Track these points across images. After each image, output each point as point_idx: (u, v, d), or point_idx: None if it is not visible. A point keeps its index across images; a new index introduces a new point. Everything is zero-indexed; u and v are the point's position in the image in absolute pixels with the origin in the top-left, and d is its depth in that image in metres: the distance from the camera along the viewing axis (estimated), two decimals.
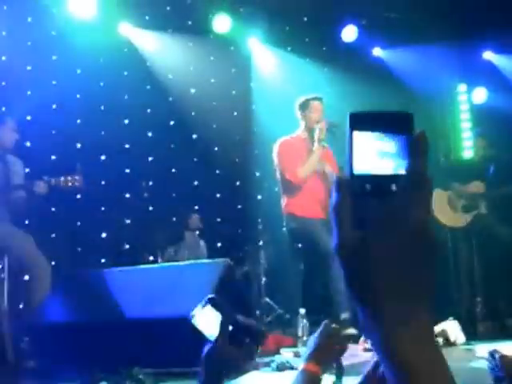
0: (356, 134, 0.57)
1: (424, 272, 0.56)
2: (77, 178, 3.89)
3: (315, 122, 4.41)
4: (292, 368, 3.10)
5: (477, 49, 6.94)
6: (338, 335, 1.59)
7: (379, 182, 0.56)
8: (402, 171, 0.56)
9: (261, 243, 5.82)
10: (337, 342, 1.57)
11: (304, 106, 4.51)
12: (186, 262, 4.70)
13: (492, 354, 1.81)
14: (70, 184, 3.88)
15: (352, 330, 3.83)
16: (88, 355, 3.13)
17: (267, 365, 3.32)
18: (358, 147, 0.57)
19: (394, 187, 0.56)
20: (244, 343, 1.51)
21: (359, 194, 0.56)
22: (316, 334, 1.55)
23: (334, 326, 1.60)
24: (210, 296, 1.48)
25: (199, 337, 3.01)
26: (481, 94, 6.86)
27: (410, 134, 0.56)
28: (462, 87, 7.13)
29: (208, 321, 1.47)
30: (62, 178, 3.88)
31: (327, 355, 1.54)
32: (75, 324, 3.35)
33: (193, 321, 1.51)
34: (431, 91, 6.66)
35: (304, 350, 1.57)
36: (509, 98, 6.40)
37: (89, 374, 2.95)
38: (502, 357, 1.78)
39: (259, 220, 5.97)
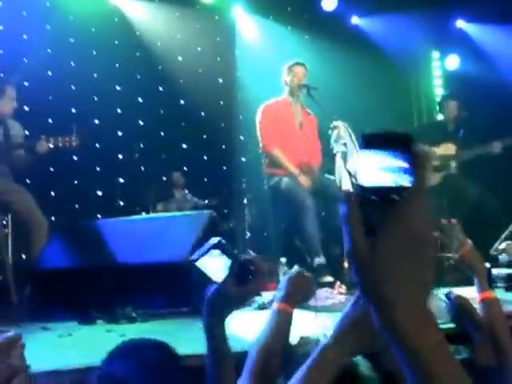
0: (363, 153, 0.63)
1: (424, 270, 0.62)
2: (73, 138, 4.07)
3: (296, 84, 4.58)
4: None
5: (450, 18, 7.12)
6: (306, 278, 1.64)
7: (385, 193, 0.62)
8: (405, 183, 0.61)
9: (245, 201, 6.06)
10: (306, 284, 1.63)
11: (287, 72, 4.67)
12: (174, 213, 4.89)
13: (447, 295, 1.82)
14: (67, 144, 4.06)
15: (328, 277, 3.99)
16: (84, 298, 3.20)
17: (248, 305, 3.40)
18: (365, 164, 0.63)
19: (397, 198, 0.61)
20: (249, 282, 1.41)
21: (366, 204, 0.62)
22: (286, 277, 1.62)
23: (301, 269, 1.66)
24: (216, 240, 1.42)
25: (187, 280, 3.19)
26: (453, 61, 7.07)
27: (410, 150, 0.62)
28: (436, 54, 7.38)
29: (213, 263, 1.42)
30: (60, 138, 4.06)
31: (297, 296, 1.59)
32: (72, 269, 3.44)
33: (197, 263, 1.43)
34: (406, 58, 6.85)
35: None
36: (480, 65, 6.59)
37: (85, 313, 3.05)
38: (457, 297, 1.80)
39: (243, 180, 6.24)
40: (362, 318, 1.08)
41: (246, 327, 2.40)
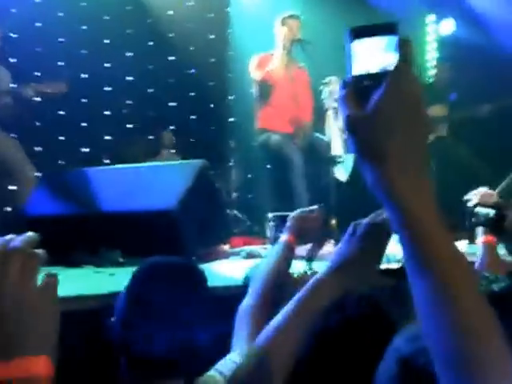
0: (355, 42, 0.67)
1: (418, 138, 0.66)
2: (62, 84, 4.05)
3: (290, 39, 4.54)
4: (260, 256, 3.21)
5: None
6: (310, 215, 1.75)
7: (375, 78, 0.66)
8: (392, 67, 0.66)
9: (232, 162, 6.10)
10: (311, 218, 1.74)
11: (281, 24, 4.62)
12: (164, 162, 4.85)
13: None
14: (56, 90, 4.04)
15: None
16: (71, 244, 3.15)
17: (237, 254, 3.52)
18: (356, 53, 0.66)
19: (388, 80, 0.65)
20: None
21: (359, 88, 0.66)
22: (291, 216, 1.74)
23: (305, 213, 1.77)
24: None
25: (176, 228, 3.18)
26: (448, 26, 6.98)
27: (397, 35, 0.66)
28: (431, 17, 7.33)
29: None
30: (47, 84, 4.04)
31: (303, 229, 1.70)
32: (59, 217, 3.39)
33: None
34: (401, 20, 6.77)
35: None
36: (475, 30, 6.49)
37: (71, 258, 3.05)
38: None
39: (231, 140, 6.22)
40: (356, 256, 1.19)
41: (235, 270, 2.44)
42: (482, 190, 1.86)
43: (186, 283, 1.34)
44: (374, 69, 0.66)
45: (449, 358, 0.61)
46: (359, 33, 0.67)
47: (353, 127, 0.66)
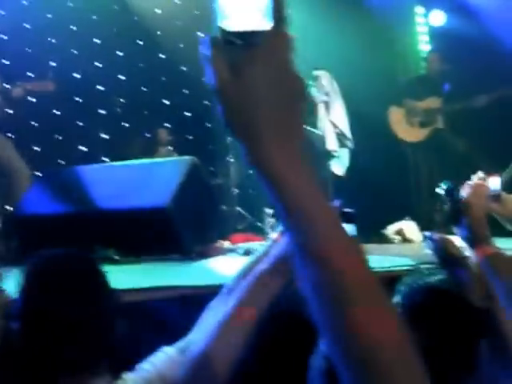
0: None
1: (292, 107, 0.62)
2: (48, 82, 4.13)
3: None
4: None
5: None
6: None
7: (249, 37, 0.61)
8: (267, 27, 0.61)
9: (231, 158, 6.03)
10: None
11: None
12: (156, 160, 4.91)
13: (429, 237, 1.74)
14: (43, 88, 4.14)
15: None
16: (65, 242, 3.20)
17: (234, 251, 3.57)
18: (227, 6, 0.61)
19: (259, 41, 0.61)
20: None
21: (231, 47, 0.61)
22: None
23: None
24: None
25: (169, 225, 3.20)
26: (438, 17, 6.97)
27: None
28: (420, 10, 7.31)
29: None
30: (36, 83, 4.13)
31: None
32: (54, 215, 3.47)
33: None
34: (390, 13, 6.71)
35: None
36: (465, 20, 6.47)
37: None
38: (439, 238, 1.71)
39: (228, 136, 5.92)
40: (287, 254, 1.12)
41: (230, 268, 2.46)
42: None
43: (82, 274, 1.30)
44: (246, 27, 0.60)
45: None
46: None
47: (220, 94, 0.61)
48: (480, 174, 1.82)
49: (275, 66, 0.61)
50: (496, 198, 1.77)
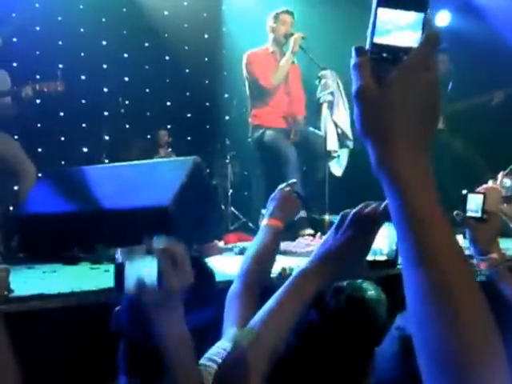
0: (380, 9, 0.63)
1: (428, 119, 0.65)
2: (58, 83, 4.13)
3: (283, 33, 4.51)
4: None
5: None
6: (291, 193, 1.73)
7: (395, 52, 0.63)
8: (414, 44, 0.63)
9: (228, 159, 6.14)
10: (290, 200, 1.72)
11: (274, 19, 4.59)
12: (158, 160, 4.90)
13: None
14: (52, 88, 4.12)
15: (309, 230, 4.05)
16: (68, 241, 3.19)
17: (230, 250, 3.58)
18: (380, 21, 0.63)
19: (405, 57, 0.63)
20: None
21: (377, 59, 0.64)
22: (275, 195, 1.73)
23: (286, 188, 1.75)
24: None
25: (171, 224, 3.22)
26: (444, 18, 6.82)
27: (425, 13, 0.63)
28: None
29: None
30: (45, 83, 4.12)
31: (286, 210, 1.68)
32: (57, 214, 3.43)
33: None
34: None
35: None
36: (471, 21, 6.45)
37: (69, 255, 3.07)
38: None
39: (226, 138, 6.26)
40: (342, 246, 1.15)
41: (228, 266, 2.52)
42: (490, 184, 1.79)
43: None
44: (395, 42, 0.63)
45: (439, 360, 0.58)
46: (387, 1, 0.63)
47: (363, 99, 0.64)
48: (500, 175, 1.85)
49: (417, 79, 0.63)
50: (509, 199, 1.79)
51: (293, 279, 1.16)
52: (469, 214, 1.68)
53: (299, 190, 4.23)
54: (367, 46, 0.64)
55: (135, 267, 1.02)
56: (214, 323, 1.36)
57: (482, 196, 1.68)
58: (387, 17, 0.63)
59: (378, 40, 0.64)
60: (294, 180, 1.90)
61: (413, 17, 0.63)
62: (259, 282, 1.46)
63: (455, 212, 1.71)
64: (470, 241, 1.68)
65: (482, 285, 1.18)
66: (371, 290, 1.33)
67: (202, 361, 1.25)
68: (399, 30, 0.63)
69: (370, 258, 1.21)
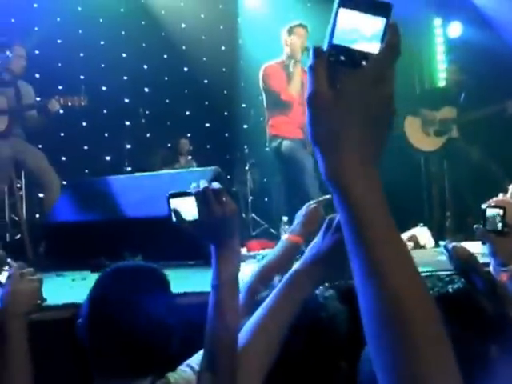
0: (342, 10, 0.61)
1: (379, 133, 0.62)
2: (82, 97, 4.26)
3: (299, 46, 4.55)
4: None
5: None
6: (317, 210, 1.70)
7: (353, 56, 0.61)
8: (375, 50, 0.61)
9: (247, 167, 6.23)
10: (316, 218, 1.68)
11: (289, 32, 4.65)
12: (180, 170, 5.02)
13: (445, 246, 1.79)
14: (76, 102, 4.25)
15: None
16: (95, 250, 3.25)
17: (252, 257, 3.62)
18: (341, 22, 0.61)
19: (364, 63, 0.61)
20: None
21: (334, 61, 0.61)
22: (302, 211, 1.70)
23: (313, 205, 1.73)
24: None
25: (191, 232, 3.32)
26: (456, 28, 6.98)
27: (388, 19, 0.60)
28: (437, 21, 7.36)
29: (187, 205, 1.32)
30: (70, 98, 4.25)
31: (308, 228, 1.65)
32: (83, 223, 3.53)
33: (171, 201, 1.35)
34: (408, 24, 6.81)
35: None
36: (483, 31, 6.47)
37: (96, 263, 3.08)
38: (454, 247, 1.77)
39: (245, 146, 6.37)
40: (330, 248, 1.18)
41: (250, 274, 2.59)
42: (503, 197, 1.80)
43: (147, 285, 1.34)
44: (354, 46, 0.61)
45: (378, 341, 0.60)
46: (350, 2, 0.61)
47: (314, 104, 0.62)
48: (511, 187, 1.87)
49: (373, 90, 0.60)
50: None
51: (283, 283, 1.19)
52: (489, 227, 1.70)
53: (316, 198, 4.31)
54: (325, 47, 0.61)
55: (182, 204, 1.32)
56: None
57: (501, 210, 1.69)
58: (349, 18, 0.61)
59: (336, 41, 0.61)
60: (328, 196, 1.94)
61: (375, 22, 0.60)
62: (260, 291, 1.46)
63: (475, 226, 1.74)
64: (491, 253, 1.70)
65: (460, 293, 1.24)
66: (331, 299, 1.33)
67: (182, 366, 1.32)
68: (360, 33, 0.61)
69: None
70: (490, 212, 1.71)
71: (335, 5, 0.61)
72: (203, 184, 1.28)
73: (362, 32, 0.61)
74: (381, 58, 0.60)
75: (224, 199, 1.24)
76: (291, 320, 1.17)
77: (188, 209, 1.32)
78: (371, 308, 0.60)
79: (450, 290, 1.30)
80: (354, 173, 0.61)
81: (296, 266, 1.22)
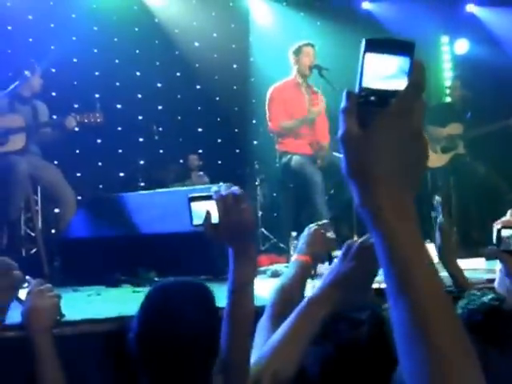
0: (368, 55, 0.64)
1: (413, 166, 0.65)
2: (97, 114, 4.35)
3: (307, 65, 4.67)
4: None
5: (460, 2, 7.24)
6: (318, 231, 1.72)
7: (382, 95, 0.65)
8: (402, 87, 0.64)
9: (257, 182, 6.29)
10: (319, 238, 1.71)
11: (297, 52, 4.75)
12: (194, 187, 4.97)
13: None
14: (92, 120, 4.33)
15: (338, 252, 4.21)
16: (110, 266, 3.31)
17: (263, 273, 3.65)
18: (368, 66, 0.65)
19: (392, 101, 0.64)
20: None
21: (364, 102, 0.65)
22: (305, 232, 1.73)
23: (317, 225, 1.75)
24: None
25: (207, 248, 3.33)
26: (463, 46, 7.14)
27: (412, 57, 0.64)
28: (445, 39, 7.48)
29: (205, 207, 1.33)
30: (86, 115, 4.34)
31: (313, 246, 1.68)
32: (98, 239, 3.57)
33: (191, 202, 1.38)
34: (416, 41, 6.93)
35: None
36: (489, 49, 6.65)
37: (111, 279, 3.20)
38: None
39: (255, 162, 6.44)
40: (348, 275, 1.20)
41: (261, 290, 2.65)
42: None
43: (194, 301, 1.35)
44: (382, 86, 0.65)
45: None
46: (374, 46, 0.65)
47: (346, 143, 0.65)
48: None
49: (403, 127, 0.64)
50: None
51: (302, 306, 1.22)
52: (503, 247, 1.75)
53: (325, 212, 4.39)
54: (356, 90, 0.65)
55: (201, 208, 1.34)
56: None
57: None
58: (375, 61, 0.65)
59: (366, 84, 0.65)
60: (326, 221, 1.94)
61: (400, 61, 0.64)
62: (286, 314, 1.44)
63: (489, 247, 1.80)
64: (507, 274, 1.74)
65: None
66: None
67: None
68: (387, 73, 0.65)
69: (375, 285, 1.27)
70: (504, 233, 1.76)
71: (361, 50, 0.65)
72: (224, 188, 1.30)
73: (389, 72, 0.65)
74: (407, 93, 0.64)
75: (244, 204, 1.27)
76: (311, 339, 1.20)
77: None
78: (402, 327, 0.62)
79: (488, 300, 1.35)
80: (383, 201, 0.64)
81: (314, 290, 1.25)
